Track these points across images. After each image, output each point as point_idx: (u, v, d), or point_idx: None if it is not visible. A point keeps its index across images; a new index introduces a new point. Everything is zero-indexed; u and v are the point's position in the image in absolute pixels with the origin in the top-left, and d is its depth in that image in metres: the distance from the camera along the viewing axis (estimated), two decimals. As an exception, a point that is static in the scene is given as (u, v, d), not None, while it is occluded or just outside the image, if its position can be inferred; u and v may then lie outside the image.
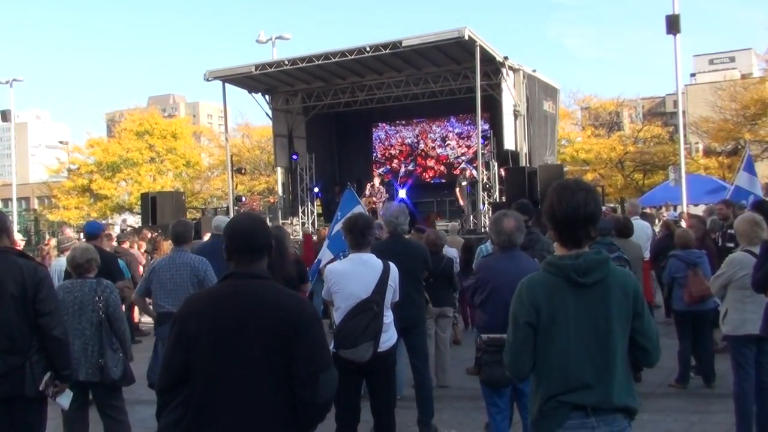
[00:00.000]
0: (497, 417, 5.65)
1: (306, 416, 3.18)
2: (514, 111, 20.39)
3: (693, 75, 76.01)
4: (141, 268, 13.22)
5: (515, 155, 20.48)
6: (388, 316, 5.64)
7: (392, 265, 5.69)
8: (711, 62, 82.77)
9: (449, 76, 21.83)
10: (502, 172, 20.46)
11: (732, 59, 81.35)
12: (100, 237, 9.10)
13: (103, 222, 39.57)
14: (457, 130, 25.76)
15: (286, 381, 3.12)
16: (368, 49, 19.95)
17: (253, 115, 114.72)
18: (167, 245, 12.45)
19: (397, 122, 26.89)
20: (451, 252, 11.34)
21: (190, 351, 3.17)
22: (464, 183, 20.91)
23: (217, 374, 3.12)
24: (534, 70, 21.65)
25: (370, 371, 5.59)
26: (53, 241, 17.81)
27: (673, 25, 22.07)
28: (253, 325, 3.13)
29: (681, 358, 8.57)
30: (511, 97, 20.32)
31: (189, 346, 3.18)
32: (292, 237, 13.76)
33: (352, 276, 5.58)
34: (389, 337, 5.64)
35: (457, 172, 23.94)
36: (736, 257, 6.51)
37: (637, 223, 10.79)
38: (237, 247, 3.31)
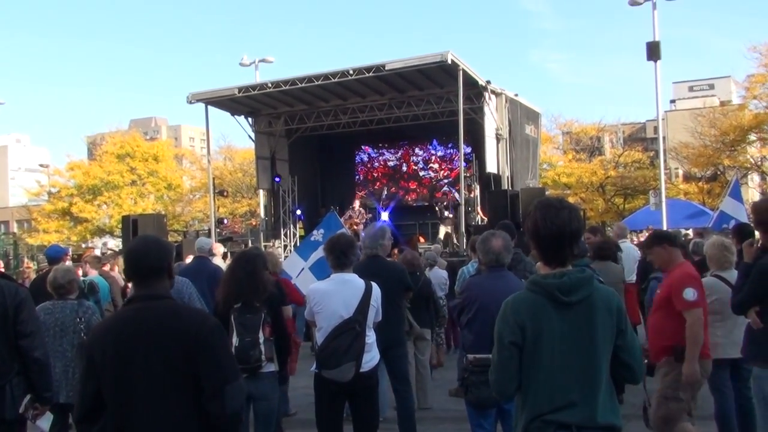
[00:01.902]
0: (481, 439, 5.62)
1: (217, 430, 3.20)
2: (497, 134, 20.53)
3: (673, 101, 76.78)
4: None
5: (497, 178, 20.59)
6: (371, 336, 5.62)
7: (374, 285, 5.68)
8: (691, 89, 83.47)
9: (432, 100, 21.94)
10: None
11: (711, 86, 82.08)
12: (62, 261, 8.98)
13: (84, 245, 39.32)
14: (439, 153, 25.84)
15: (197, 397, 3.13)
16: (351, 72, 20.03)
17: (236, 137, 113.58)
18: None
19: (380, 145, 26.92)
20: (441, 274, 11.29)
21: (99, 378, 3.19)
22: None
23: (127, 398, 3.14)
24: (516, 95, 21.84)
25: (352, 392, 5.56)
26: (33, 264, 17.69)
27: (653, 52, 22.33)
28: (155, 345, 3.14)
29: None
30: (493, 120, 20.48)
31: (97, 374, 3.19)
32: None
33: (335, 296, 5.56)
34: (372, 357, 5.62)
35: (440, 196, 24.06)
36: (706, 282, 6.49)
37: (625, 245, 10.68)
38: (132, 271, 3.36)
